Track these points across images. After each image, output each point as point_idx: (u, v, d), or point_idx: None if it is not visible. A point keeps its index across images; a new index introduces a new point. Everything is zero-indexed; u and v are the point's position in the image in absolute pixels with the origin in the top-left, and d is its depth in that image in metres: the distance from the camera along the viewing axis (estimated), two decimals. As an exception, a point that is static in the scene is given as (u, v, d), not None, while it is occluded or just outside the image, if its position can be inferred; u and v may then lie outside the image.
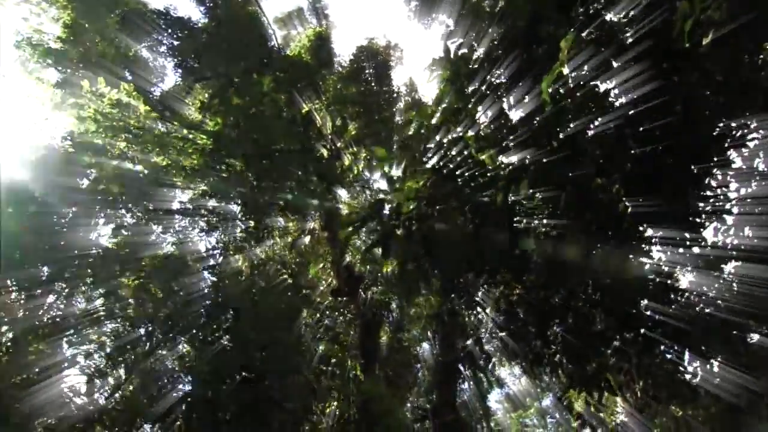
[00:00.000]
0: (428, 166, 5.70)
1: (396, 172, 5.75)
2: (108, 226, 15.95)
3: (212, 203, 13.54)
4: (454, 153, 5.73)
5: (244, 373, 10.45)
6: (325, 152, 16.19)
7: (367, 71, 20.68)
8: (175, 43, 19.16)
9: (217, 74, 17.41)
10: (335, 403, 12.26)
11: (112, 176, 14.48)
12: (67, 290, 16.41)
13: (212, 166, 12.85)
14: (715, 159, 7.39)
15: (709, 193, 7.51)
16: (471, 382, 20.99)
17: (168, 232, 15.06)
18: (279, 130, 12.95)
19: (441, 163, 5.68)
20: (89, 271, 15.62)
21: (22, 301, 16.49)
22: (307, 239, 15.76)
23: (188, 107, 16.61)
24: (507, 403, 30.18)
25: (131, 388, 12.54)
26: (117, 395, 12.37)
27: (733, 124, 7.36)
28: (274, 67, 15.71)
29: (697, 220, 7.92)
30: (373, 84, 20.39)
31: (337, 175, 15.10)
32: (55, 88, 18.02)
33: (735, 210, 8.36)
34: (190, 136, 12.94)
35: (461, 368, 17.96)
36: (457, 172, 5.79)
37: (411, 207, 5.42)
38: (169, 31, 19.09)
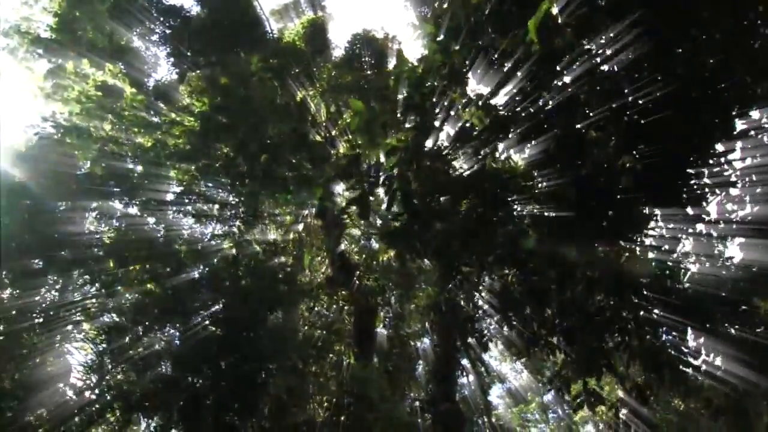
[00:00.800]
0: (409, 121, 5.38)
1: (375, 126, 5.40)
2: (100, 217, 15.71)
3: (203, 187, 13.19)
4: (438, 110, 5.41)
5: (227, 358, 10.14)
6: (319, 139, 15.87)
7: (363, 59, 20.34)
8: (168, 31, 18.90)
9: (210, 63, 17.14)
10: (330, 390, 11.99)
11: (103, 166, 14.19)
12: (60, 282, 16.19)
13: (201, 150, 12.54)
14: (720, 126, 7.05)
15: (711, 161, 7.18)
16: (469, 375, 20.70)
17: (161, 222, 14.74)
18: (270, 114, 12.64)
19: (424, 120, 5.34)
20: (80, 261, 15.40)
21: (15, 294, 16.28)
22: (300, 227, 15.46)
23: (180, 95, 16.32)
24: (508, 397, 29.90)
25: (121, 377, 12.28)
26: (106, 384, 12.11)
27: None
28: (267, 53, 15.41)
29: (699, 192, 7.58)
30: (369, 72, 20.05)
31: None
32: (46, 78, 17.77)
33: (740, 182, 8.02)
34: (177, 118, 12.64)
35: (459, 358, 17.68)
36: (441, 131, 5.46)
37: (391, 163, 5.09)
38: (161, 19, 18.82)
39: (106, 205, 15.26)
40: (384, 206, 5.69)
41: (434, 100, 5.32)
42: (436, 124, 5.44)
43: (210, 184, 13.15)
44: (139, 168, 13.14)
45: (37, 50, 17.88)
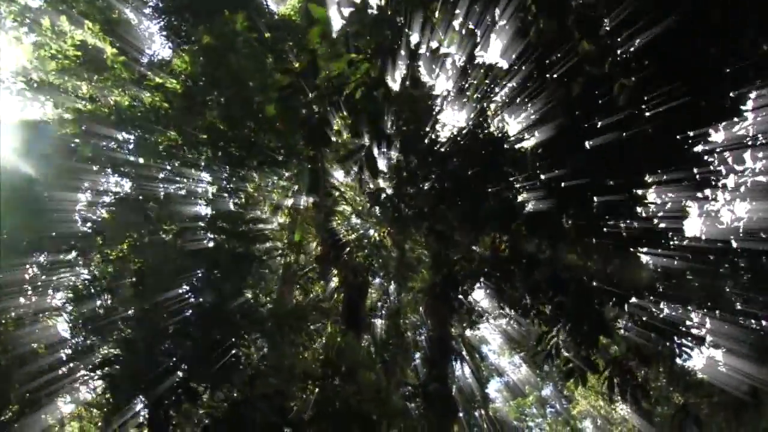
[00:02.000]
0: (382, 34, 4.82)
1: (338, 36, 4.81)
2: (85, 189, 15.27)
3: (189, 156, 12.65)
4: (415, 26, 4.85)
5: (198, 325, 9.65)
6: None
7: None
8: (161, 3, 18.46)
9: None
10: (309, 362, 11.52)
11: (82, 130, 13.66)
12: (49, 263, 15.79)
13: (184, 113, 12.01)
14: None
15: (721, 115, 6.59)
16: (465, 364, 20.25)
17: (144, 192, 14.17)
18: (258, 80, 12.12)
19: (396, 35, 4.78)
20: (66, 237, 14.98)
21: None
22: (289, 202, 14.96)
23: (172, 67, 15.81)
24: (506, 391, 29.46)
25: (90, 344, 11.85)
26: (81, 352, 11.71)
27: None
28: (261, 24, 14.90)
29: (705, 150, 7.01)
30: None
31: (324, 138, 14.16)
32: (35, 50, 17.28)
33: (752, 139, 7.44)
34: (160, 80, 12.15)
35: (454, 345, 17.23)
36: (419, 56, 4.90)
37: (356, 77, 4.51)
38: (155, -10, 18.38)
39: (91, 178, 14.81)
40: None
41: (410, 14, 4.76)
42: (413, 45, 4.87)
43: (195, 152, 12.61)
44: (122, 133, 12.63)
45: (26, 20, 17.36)
